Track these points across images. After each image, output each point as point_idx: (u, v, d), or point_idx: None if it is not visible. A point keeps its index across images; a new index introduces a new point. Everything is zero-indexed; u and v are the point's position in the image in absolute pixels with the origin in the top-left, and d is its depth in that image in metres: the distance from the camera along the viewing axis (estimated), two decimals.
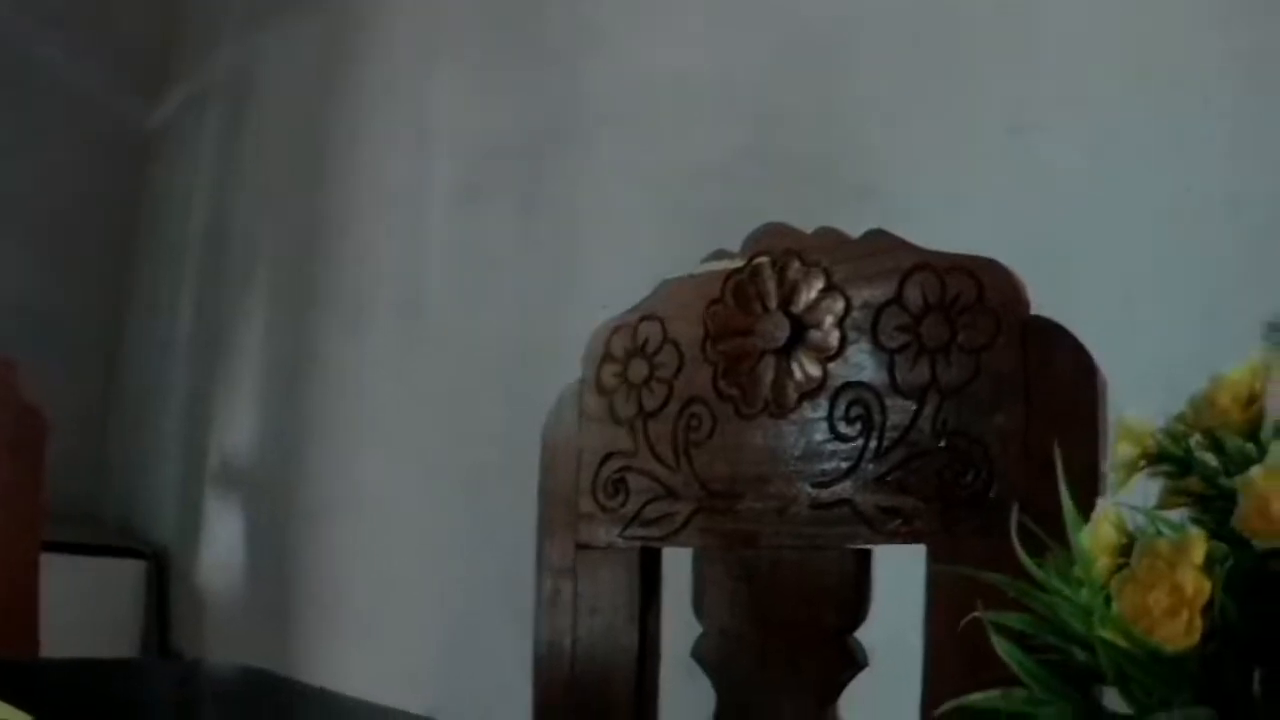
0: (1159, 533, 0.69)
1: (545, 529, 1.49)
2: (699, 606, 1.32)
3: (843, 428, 1.20)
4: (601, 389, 1.46)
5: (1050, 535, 0.72)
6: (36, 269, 3.89)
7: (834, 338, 1.22)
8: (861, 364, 1.19)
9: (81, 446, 3.88)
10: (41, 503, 1.95)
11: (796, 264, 1.27)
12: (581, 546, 1.44)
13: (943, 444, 1.11)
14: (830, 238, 1.25)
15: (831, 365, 1.22)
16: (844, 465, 1.19)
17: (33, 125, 3.93)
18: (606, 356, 1.46)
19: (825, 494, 1.20)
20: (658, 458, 1.39)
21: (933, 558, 1.08)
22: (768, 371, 1.28)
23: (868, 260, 1.20)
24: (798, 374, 1.25)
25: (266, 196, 3.67)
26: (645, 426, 1.41)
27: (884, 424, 1.16)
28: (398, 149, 3.11)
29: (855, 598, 1.18)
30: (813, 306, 1.25)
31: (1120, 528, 0.71)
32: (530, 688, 1.45)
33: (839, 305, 1.22)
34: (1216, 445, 0.71)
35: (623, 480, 1.42)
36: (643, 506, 1.40)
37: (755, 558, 1.27)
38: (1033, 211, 1.77)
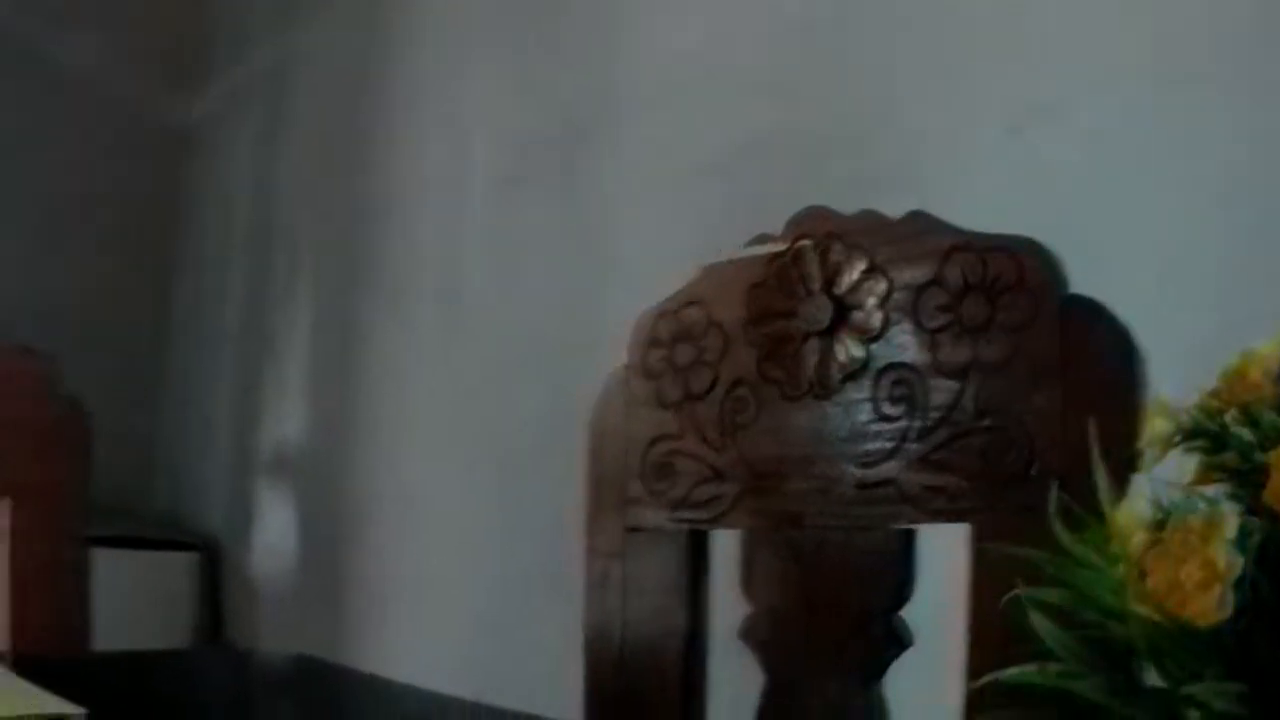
0: (1193, 508, 0.70)
1: (593, 513, 1.51)
2: (746, 587, 1.33)
3: (886, 408, 1.22)
4: (647, 374, 1.47)
5: (1090, 512, 0.73)
6: (80, 266, 3.93)
7: (876, 319, 1.23)
8: (904, 344, 1.21)
9: (130, 441, 3.92)
10: (88, 498, 1.97)
11: (838, 246, 1.28)
12: (630, 530, 1.46)
13: (985, 423, 1.12)
14: (871, 219, 1.27)
15: (874, 346, 1.23)
16: (888, 445, 1.21)
17: (72, 125, 3.98)
18: (652, 341, 1.47)
19: (870, 474, 1.22)
20: (705, 441, 1.41)
21: (976, 536, 1.10)
22: (811, 353, 1.30)
23: (909, 242, 1.21)
24: (841, 355, 1.26)
25: (307, 189, 3.70)
26: (691, 410, 1.42)
27: (927, 404, 1.18)
28: (435, 139, 3.13)
29: (900, 577, 1.20)
30: (855, 288, 1.26)
31: (1155, 503, 0.72)
32: (577, 670, 1.47)
33: (881, 286, 1.23)
34: (1251, 420, 0.72)
35: (670, 464, 1.44)
36: (690, 489, 1.41)
37: (801, 538, 1.29)
38: (1065, 189, 1.77)
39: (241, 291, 3.92)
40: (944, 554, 1.13)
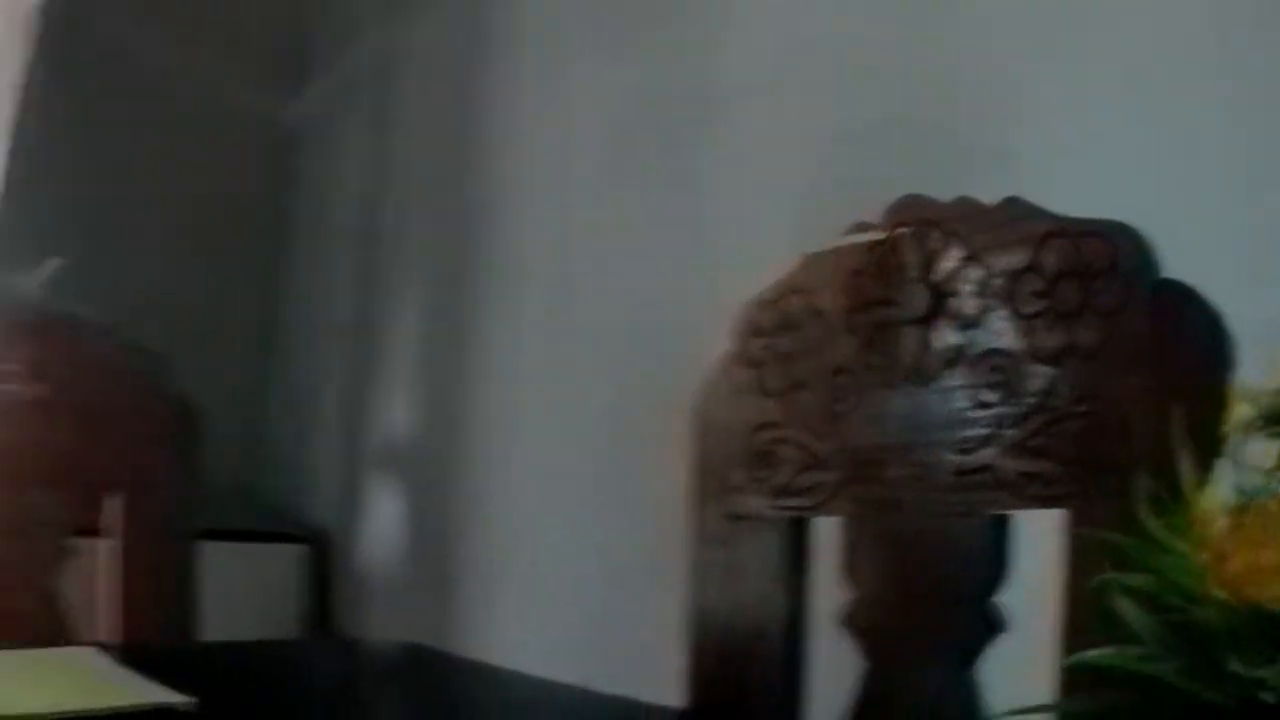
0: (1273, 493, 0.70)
1: (697, 501, 1.53)
2: (846, 574, 1.35)
3: (983, 395, 1.22)
4: (750, 362, 1.49)
5: (1178, 497, 0.74)
6: (190, 264, 4.00)
7: (973, 305, 1.24)
8: (1000, 331, 1.21)
9: (242, 436, 3.99)
10: (199, 493, 2.01)
11: (936, 234, 1.29)
12: (733, 517, 1.48)
13: (1080, 409, 1.13)
14: (967, 206, 1.27)
15: (971, 333, 1.24)
16: (984, 432, 1.21)
17: (180, 128, 4.04)
18: (754, 329, 1.49)
19: (967, 461, 1.23)
20: (806, 429, 1.42)
21: (1070, 522, 1.10)
22: (910, 341, 1.31)
23: (1004, 228, 1.22)
24: (939, 342, 1.28)
25: (414, 184, 3.74)
26: (794, 398, 1.44)
27: (1023, 390, 1.18)
28: (539, 132, 3.15)
29: (996, 563, 1.21)
30: (952, 275, 1.27)
31: (1238, 488, 0.72)
32: (680, 656, 1.48)
33: (977, 273, 1.24)
34: None
35: (772, 451, 1.46)
36: (792, 477, 1.43)
37: (900, 525, 1.30)
38: (1158, 171, 1.76)
39: (350, 287, 3.97)
40: (1040, 539, 1.14)
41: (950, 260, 1.27)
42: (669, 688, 1.47)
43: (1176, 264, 1.09)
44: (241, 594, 3.17)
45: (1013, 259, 1.20)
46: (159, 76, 3.98)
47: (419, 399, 3.58)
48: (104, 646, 1.60)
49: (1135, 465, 1.02)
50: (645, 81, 2.77)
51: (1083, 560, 1.06)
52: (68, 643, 1.67)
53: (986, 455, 1.21)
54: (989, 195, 1.25)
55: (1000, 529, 1.21)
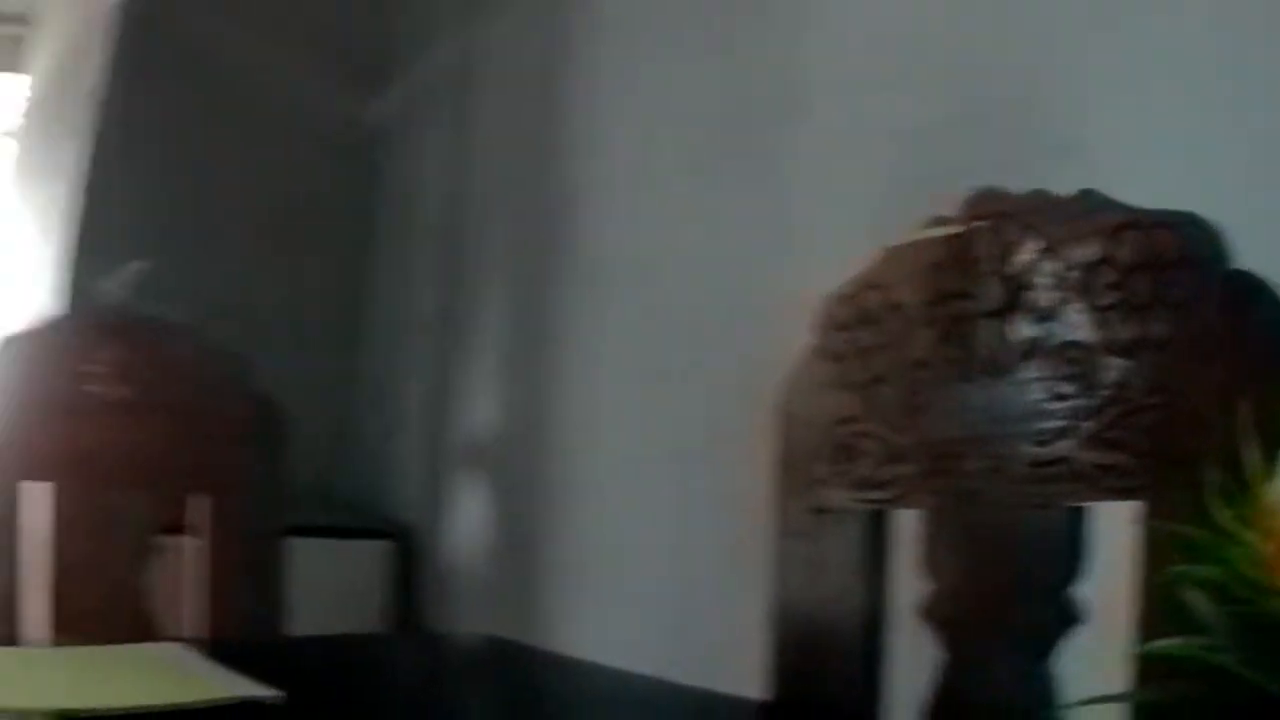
0: None
1: (780, 493, 1.55)
2: (925, 566, 1.36)
3: (1059, 387, 1.23)
4: (831, 356, 1.51)
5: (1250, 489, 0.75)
6: (273, 265, 4.05)
7: (1049, 298, 1.25)
8: (1076, 323, 1.22)
9: (328, 434, 4.04)
10: (285, 491, 2.04)
11: (1011, 226, 1.30)
12: (815, 510, 1.50)
13: (1154, 400, 1.14)
14: (1042, 199, 1.28)
15: (1047, 325, 1.25)
16: (1060, 424, 1.22)
17: (263, 131, 4.10)
18: (835, 323, 1.51)
19: (1043, 453, 1.24)
20: (886, 422, 1.44)
21: (1145, 513, 1.12)
22: (987, 334, 1.32)
23: (1078, 220, 1.23)
24: (1015, 335, 1.29)
25: (497, 182, 3.77)
26: (874, 392, 1.45)
27: (1097, 382, 1.19)
28: (622, 126, 3.17)
29: (1072, 554, 1.22)
30: (1028, 268, 1.28)
31: None
32: (761, 648, 1.50)
33: (1053, 266, 1.25)
34: None
35: (854, 445, 1.47)
36: (873, 470, 1.45)
37: (978, 517, 1.32)
38: (1229, 161, 1.76)
39: (434, 285, 4.01)
40: (1116, 530, 1.15)
41: (1026, 253, 1.28)
42: (752, 681, 1.50)
43: (1248, 255, 1.10)
44: (328, 590, 3.21)
45: (1087, 251, 1.21)
46: (240, 78, 4.04)
47: (503, 396, 3.62)
48: (190, 642, 1.64)
49: (1207, 457, 1.03)
50: (725, 77, 2.78)
51: (1156, 552, 1.07)
52: (153, 639, 1.71)
53: (1063, 447, 1.22)
54: (1063, 187, 1.27)
55: (1076, 521, 1.22)
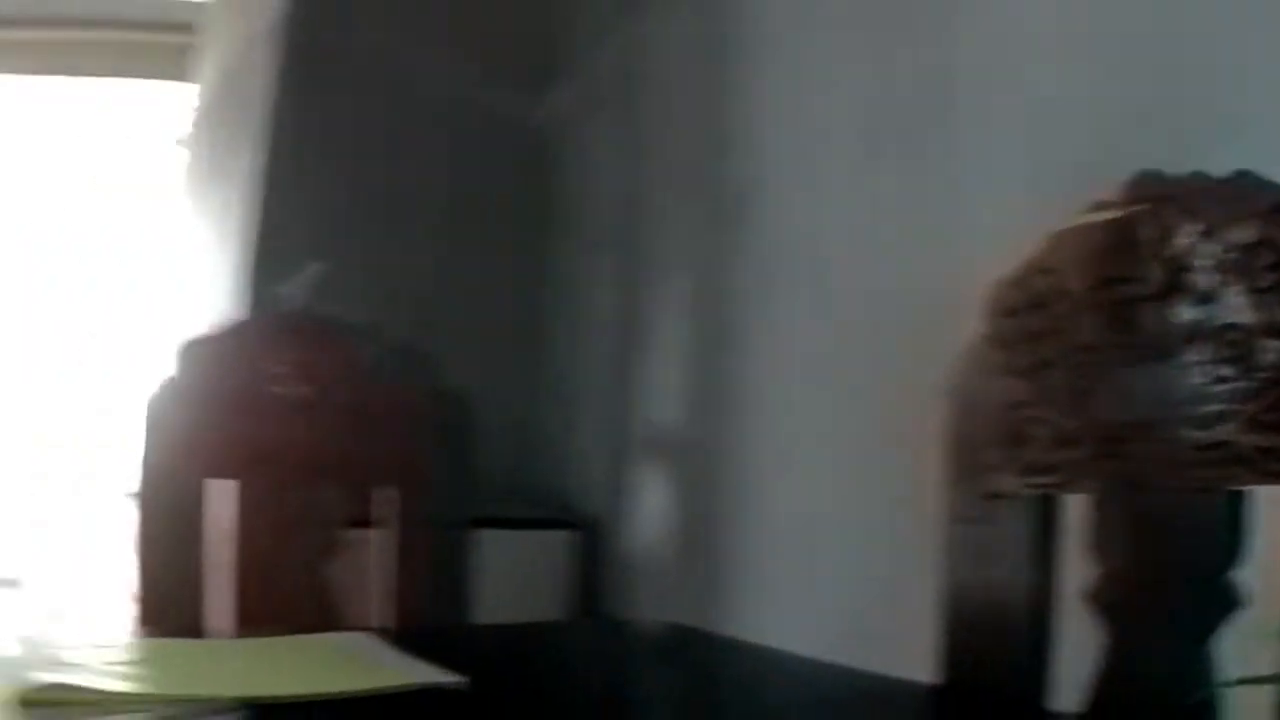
0: None
1: (952, 479, 1.57)
2: (1091, 550, 1.39)
3: (1220, 370, 1.25)
4: (1001, 341, 1.53)
5: None
6: (453, 262, 4.12)
7: (1209, 281, 1.27)
8: (1235, 305, 1.24)
9: (514, 428, 4.11)
10: (471, 484, 2.08)
11: (1171, 209, 1.32)
12: (986, 496, 1.52)
13: None
14: (1200, 181, 1.30)
15: (1208, 308, 1.27)
16: (1222, 407, 1.24)
17: (437, 132, 4.17)
18: (1004, 310, 1.53)
19: (1206, 436, 1.25)
20: (1055, 406, 1.46)
21: None
22: (1150, 317, 1.34)
23: (1236, 202, 1.25)
24: (1177, 318, 1.31)
25: (669, 175, 3.80)
26: (1043, 377, 1.47)
27: (1257, 365, 1.21)
28: (789, 115, 3.20)
29: (1234, 538, 1.24)
30: (1188, 251, 1.29)
31: None
32: (933, 632, 1.53)
33: (1213, 248, 1.27)
34: None
35: (1024, 429, 1.49)
36: (1043, 455, 1.46)
37: (1143, 501, 1.34)
38: None
39: (612, 278, 4.06)
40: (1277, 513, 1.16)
41: (1185, 236, 1.30)
42: (926, 665, 1.53)
43: None
44: (513, 580, 3.28)
45: (1245, 233, 1.23)
46: (410, 81, 4.11)
47: (682, 386, 3.67)
48: (374, 631, 1.70)
49: None
50: (891, 65, 2.79)
51: None
52: (340, 629, 1.76)
53: (1224, 430, 1.23)
54: (1223, 168, 1.28)
55: (1237, 504, 1.24)
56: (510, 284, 4.32)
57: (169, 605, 1.95)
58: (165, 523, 1.99)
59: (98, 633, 2.05)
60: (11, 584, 6.22)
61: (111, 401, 5.99)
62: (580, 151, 4.29)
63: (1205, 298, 1.28)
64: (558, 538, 3.90)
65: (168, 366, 2.04)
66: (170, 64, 5.56)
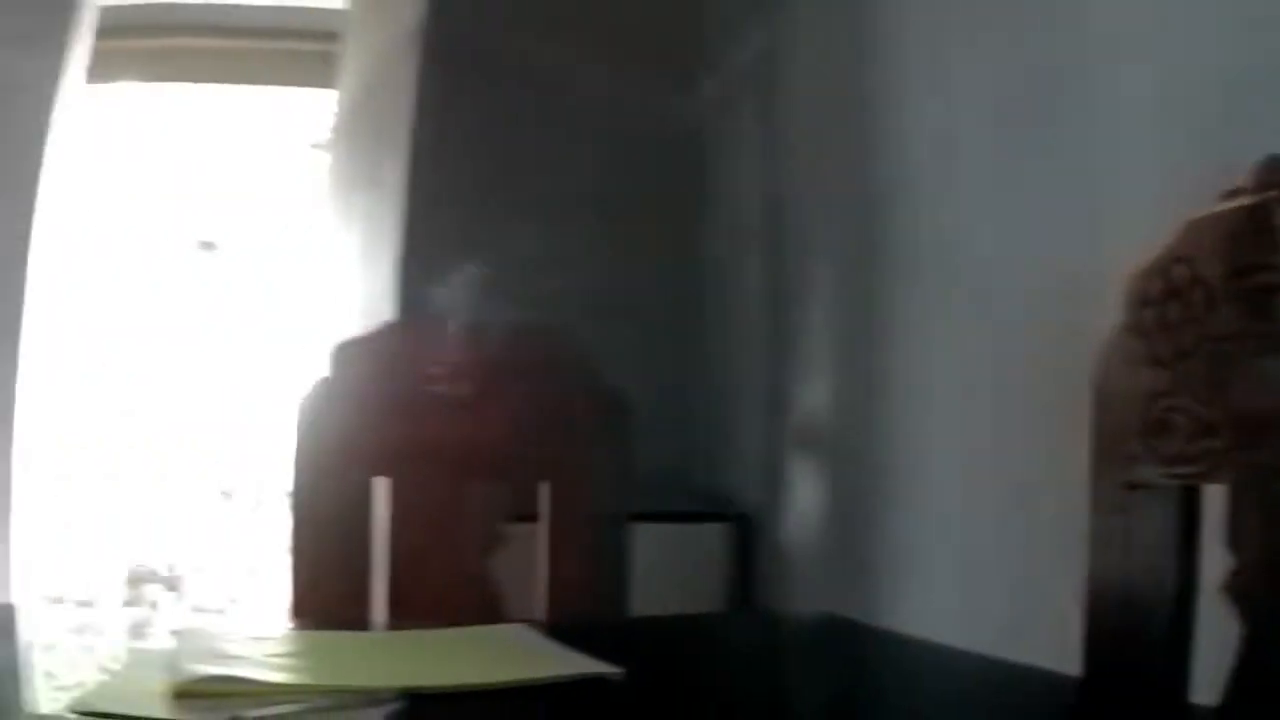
0: None
1: (1096, 470, 1.59)
2: (1230, 542, 1.40)
3: None
4: (1141, 331, 1.54)
5: None
6: (605, 261, 4.18)
7: None
8: None
9: (670, 422, 4.16)
10: (627, 478, 2.14)
11: None
12: (1129, 486, 1.54)
13: None
14: None
15: None
16: None
17: (580, 130, 4.23)
18: (1143, 299, 1.54)
19: None
20: (1195, 397, 1.47)
21: None
22: None
23: None
24: None
25: (813, 169, 3.83)
26: (1183, 367, 1.49)
27: None
28: (925, 106, 3.22)
29: None
30: None
31: None
32: (1079, 624, 1.56)
33: None
34: None
35: (1165, 420, 1.51)
36: (1184, 445, 1.48)
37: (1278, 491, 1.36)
38: None
39: (762, 274, 4.10)
40: None
41: None
42: (1074, 657, 1.56)
43: None
44: (669, 572, 3.34)
45: None
46: (554, 82, 4.17)
47: (834, 381, 3.70)
48: (534, 624, 1.74)
49: None
50: (1025, 50, 2.81)
51: None
52: (501, 621, 1.80)
53: None
54: None
55: None
56: (663, 279, 4.37)
57: (324, 600, 2.04)
58: (320, 519, 2.07)
59: (255, 627, 2.12)
60: (171, 581, 6.38)
61: (264, 403, 6.12)
62: (728, 147, 4.33)
63: None
64: (713, 530, 3.96)
65: (319, 368, 2.12)
66: (313, 71, 5.66)
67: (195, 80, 6.15)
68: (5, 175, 4.27)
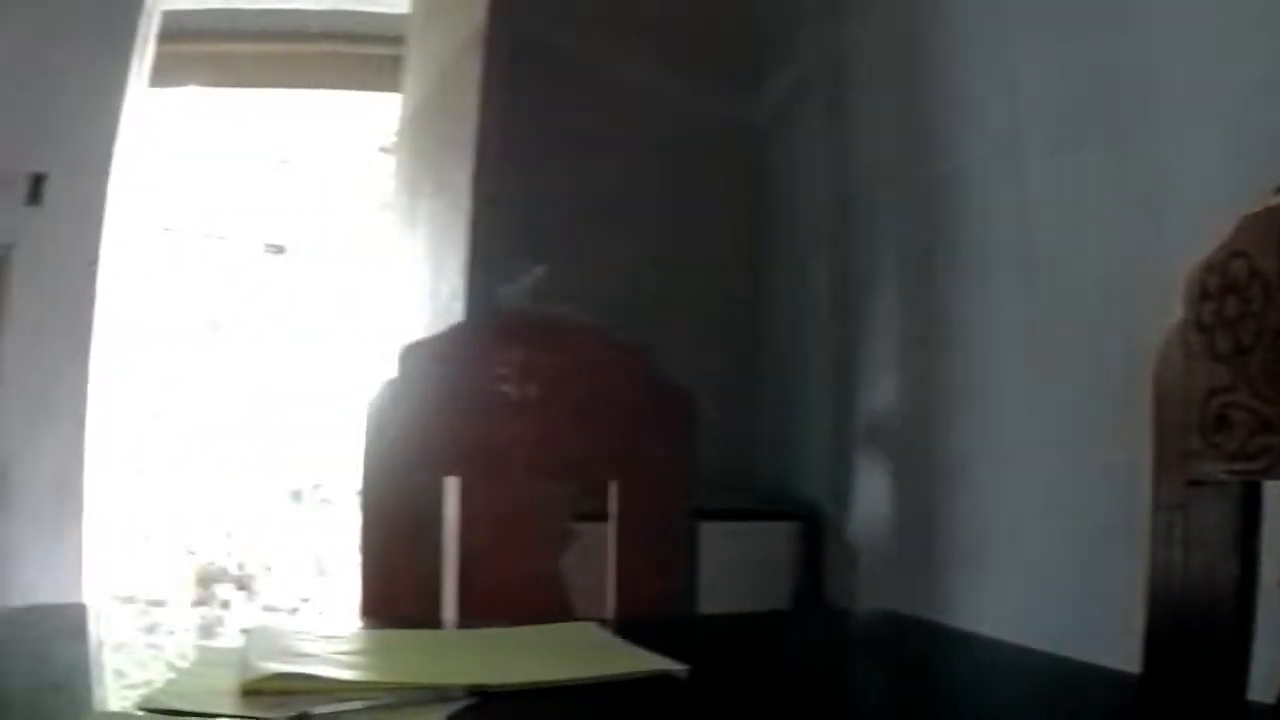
0: None
1: (1157, 466, 1.59)
2: None
3: None
4: (1201, 327, 1.55)
5: None
6: (669, 261, 4.20)
7: None
8: None
9: (737, 421, 4.18)
10: (693, 477, 2.13)
11: None
12: (1190, 483, 1.54)
13: None
14: None
15: None
16: None
17: (643, 132, 4.25)
18: (1203, 295, 1.55)
19: None
20: (1255, 393, 1.48)
21: None
22: None
23: None
24: None
25: (877, 169, 3.84)
26: (1243, 363, 1.49)
27: None
28: (993, 109, 3.22)
29: None
30: None
31: None
32: (1141, 622, 1.56)
33: None
34: None
35: (1226, 416, 1.51)
36: (1245, 441, 1.48)
37: None
38: None
39: (827, 273, 4.11)
40: None
41: None
42: (1136, 655, 1.55)
43: None
44: (738, 571, 3.37)
45: None
46: (617, 85, 4.20)
47: (899, 380, 3.71)
48: (602, 621, 1.76)
49: None
50: (1088, 49, 2.81)
51: None
52: (570, 619, 1.81)
53: None
54: None
55: None
56: (728, 279, 4.39)
57: (394, 599, 2.05)
58: (390, 519, 2.08)
59: (326, 626, 2.15)
60: (241, 580, 6.45)
61: (334, 404, 6.17)
62: (791, 147, 4.35)
63: None
64: (779, 529, 3.98)
65: (388, 369, 2.13)
66: (381, 76, 5.71)
67: (261, 85, 6.21)
68: (75, 180, 4.33)
